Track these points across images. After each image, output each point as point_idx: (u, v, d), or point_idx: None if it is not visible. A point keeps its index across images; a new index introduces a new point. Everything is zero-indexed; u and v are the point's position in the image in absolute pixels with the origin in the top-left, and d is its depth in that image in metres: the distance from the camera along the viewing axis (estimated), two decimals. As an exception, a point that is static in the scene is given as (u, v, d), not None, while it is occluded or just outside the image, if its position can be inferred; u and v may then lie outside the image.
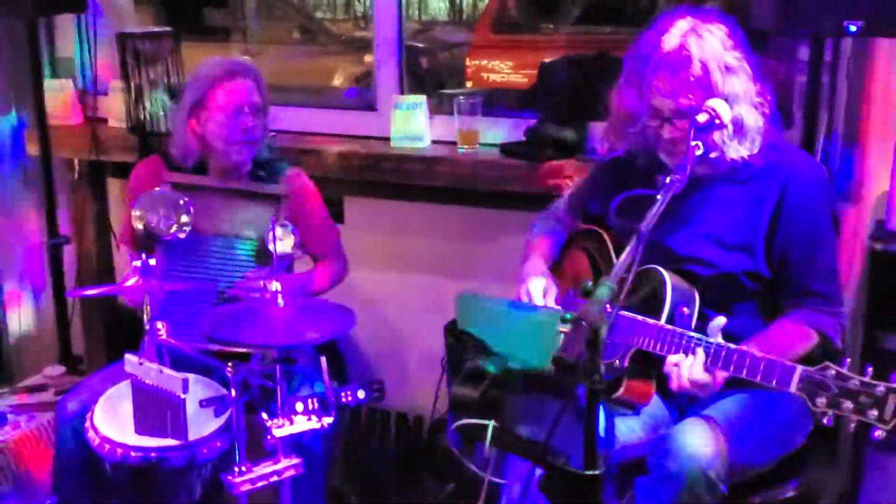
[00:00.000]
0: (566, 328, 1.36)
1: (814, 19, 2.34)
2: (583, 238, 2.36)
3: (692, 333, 1.91)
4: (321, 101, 3.73)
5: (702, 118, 1.93)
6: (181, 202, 2.49)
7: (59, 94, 3.49)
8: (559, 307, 2.20)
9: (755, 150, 2.07)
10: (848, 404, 1.65)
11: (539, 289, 2.22)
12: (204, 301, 2.57)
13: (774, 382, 1.77)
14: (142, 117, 3.28)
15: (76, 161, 3.56)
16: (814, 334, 2.07)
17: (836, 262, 2.15)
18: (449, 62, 4.67)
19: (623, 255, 1.58)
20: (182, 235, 2.50)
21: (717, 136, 2.01)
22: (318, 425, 2.18)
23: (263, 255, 2.57)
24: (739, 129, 2.03)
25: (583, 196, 2.43)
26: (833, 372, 1.69)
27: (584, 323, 1.34)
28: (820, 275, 2.10)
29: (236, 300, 2.52)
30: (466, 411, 1.83)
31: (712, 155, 2.03)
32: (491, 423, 1.73)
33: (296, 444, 2.20)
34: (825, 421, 1.69)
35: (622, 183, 2.22)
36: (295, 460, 2.15)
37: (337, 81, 4.63)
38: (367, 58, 4.12)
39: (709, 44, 2.01)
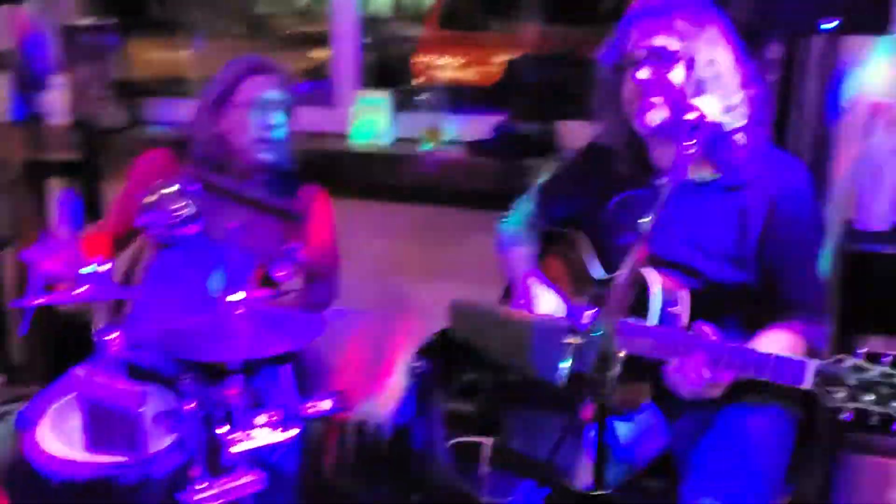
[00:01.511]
0: (575, 339, 1.27)
1: (789, 17, 2.31)
2: (555, 241, 2.27)
3: (689, 333, 1.84)
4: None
5: (691, 116, 1.87)
6: (195, 199, 2.35)
7: (-5, 90, 3.35)
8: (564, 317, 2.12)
9: (737, 123, 2.02)
10: (869, 397, 1.58)
11: (551, 304, 2.13)
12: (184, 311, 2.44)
13: (787, 379, 1.69)
14: (84, 112, 3.15)
15: (14, 160, 3.39)
16: (803, 344, 2.02)
17: (823, 274, 2.11)
18: (395, 58, 4.60)
19: (625, 263, 1.49)
20: (192, 232, 2.34)
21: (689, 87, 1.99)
22: (280, 439, 2.09)
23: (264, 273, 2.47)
24: (716, 86, 2.00)
25: (555, 197, 2.35)
26: (850, 363, 1.61)
27: (595, 335, 1.26)
28: (809, 287, 2.06)
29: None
30: (461, 428, 1.73)
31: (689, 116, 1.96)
32: (488, 441, 1.63)
33: (259, 461, 2.11)
34: (844, 416, 1.61)
35: (598, 183, 2.17)
36: (256, 476, 2.06)
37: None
38: (314, 53, 4.03)
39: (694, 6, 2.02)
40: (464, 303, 1.88)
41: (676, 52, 1.99)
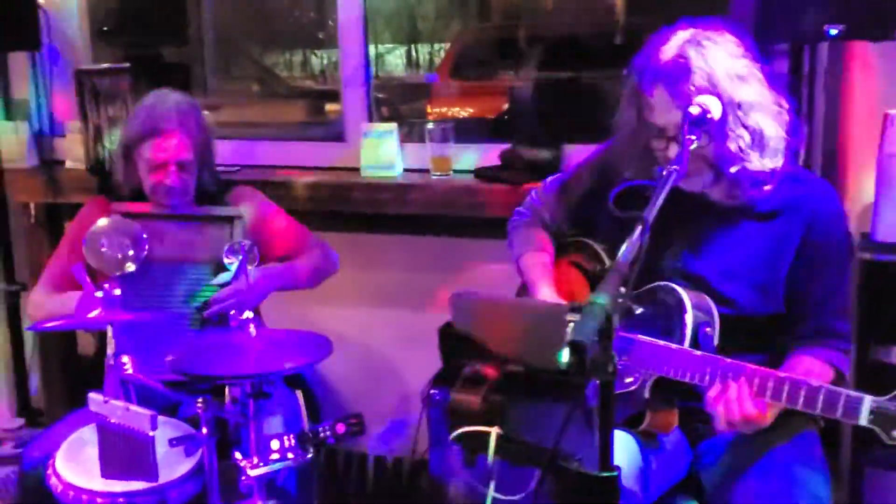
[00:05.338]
0: (575, 317, 1.24)
1: (794, 23, 2.30)
2: (570, 250, 2.21)
3: (728, 360, 1.77)
4: (286, 134, 3.65)
5: (694, 110, 1.81)
6: (134, 229, 2.39)
7: (13, 137, 3.40)
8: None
9: (780, 163, 1.94)
10: None
11: None
12: (168, 332, 2.44)
13: (839, 414, 1.62)
14: (101, 157, 3.18)
15: (32, 205, 3.44)
16: (831, 371, 1.96)
17: (850, 299, 2.07)
18: (409, 109, 4.68)
19: (627, 244, 1.45)
20: (133, 266, 2.37)
21: (732, 145, 1.88)
22: (294, 464, 2.08)
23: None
24: (759, 139, 1.90)
25: (575, 196, 2.26)
26: None
27: (595, 309, 1.23)
28: (838, 313, 2.00)
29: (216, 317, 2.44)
30: (467, 419, 1.69)
31: (732, 169, 1.90)
32: (494, 431, 1.59)
33: (270, 484, 2.09)
34: None
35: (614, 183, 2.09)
36: (271, 502, 2.05)
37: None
38: (329, 106, 4.11)
39: (711, 52, 1.88)
40: (463, 294, 1.84)
41: (712, 119, 1.84)
